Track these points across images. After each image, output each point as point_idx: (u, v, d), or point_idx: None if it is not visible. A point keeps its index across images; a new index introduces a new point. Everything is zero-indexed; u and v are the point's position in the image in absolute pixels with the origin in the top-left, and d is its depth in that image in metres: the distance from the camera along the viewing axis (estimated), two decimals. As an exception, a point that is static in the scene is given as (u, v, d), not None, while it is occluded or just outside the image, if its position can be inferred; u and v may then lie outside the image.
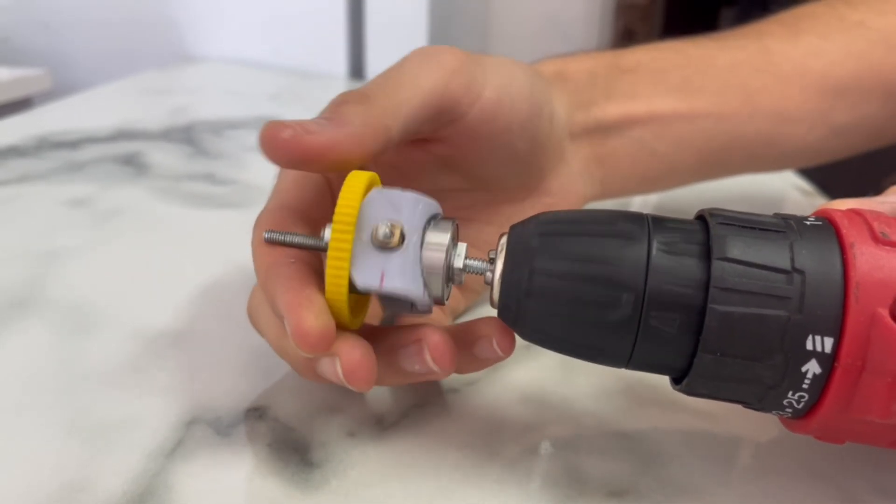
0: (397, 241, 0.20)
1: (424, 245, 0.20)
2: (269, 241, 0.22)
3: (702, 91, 0.34)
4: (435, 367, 0.21)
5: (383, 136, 0.21)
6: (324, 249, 0.21)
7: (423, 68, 0.24)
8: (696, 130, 0.34)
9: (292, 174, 0.24)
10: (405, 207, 0.20)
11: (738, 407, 0.20)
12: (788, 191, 0.51)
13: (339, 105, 0.21)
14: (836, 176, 0.50)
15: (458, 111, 0.25)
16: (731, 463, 0.24)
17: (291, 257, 0.21)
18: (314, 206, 0.24)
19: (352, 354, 0.20)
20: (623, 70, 0.34)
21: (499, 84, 0.26)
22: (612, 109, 0.33)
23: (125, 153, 0.51)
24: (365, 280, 0.20)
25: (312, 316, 0.19)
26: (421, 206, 0.20)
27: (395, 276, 0.20)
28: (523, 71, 0.28)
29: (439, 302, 0.21)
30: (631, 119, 0.33)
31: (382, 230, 0.19)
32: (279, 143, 0.20)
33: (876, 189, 0.23)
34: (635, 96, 0.34)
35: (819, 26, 0.37)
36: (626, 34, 1.58)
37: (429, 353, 0.21)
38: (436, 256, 0.20)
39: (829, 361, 0.17)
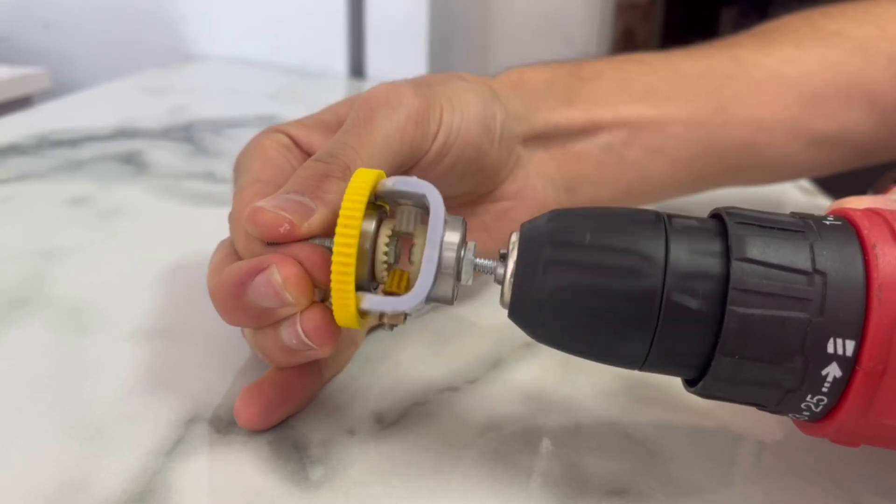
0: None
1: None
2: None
3: (670, 98, 0.34)
4: (309, 342, 0.21)
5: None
6: (328, 248, 0.20)
7: (392, 125, 0.24)
8: (667, 137, 0.34)
9: (257, 156, 0.26)
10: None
11: (741, 406, 0.20)
12: (789, 189, 0.51)
13: (323, 180, 0.22)
14: (837, 174, 0.50)
15: (415, 160, 0.26)
16: (732, 462, 0.24)
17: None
18: (286, 175, 0.25)
19: (313, 311, 0.21)
20: (584, 79, 0.34)
21: (449, 124, 0.26)
22: (574, 115, 0.33)
23: (125, 152, 0.51)
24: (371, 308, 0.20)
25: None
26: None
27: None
28: (476, 96, 0.28)
29: (448, 302, 0.21)
30: (596, 125, 0.33)
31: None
32: (275, 235, 0.21)
33: (872, 188, 0.23)
34: (599, 103, 0.33)
35: (792, 36, 0.36)
36: (627, 34, 1.58)
37: (301, 326, 0.21)
38: (447, 256, 0.20)
39: (850, 365, 0.17)
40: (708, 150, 0.34)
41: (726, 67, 0.35)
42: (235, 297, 0.21)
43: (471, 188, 0.30)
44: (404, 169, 0.26)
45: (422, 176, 0.27)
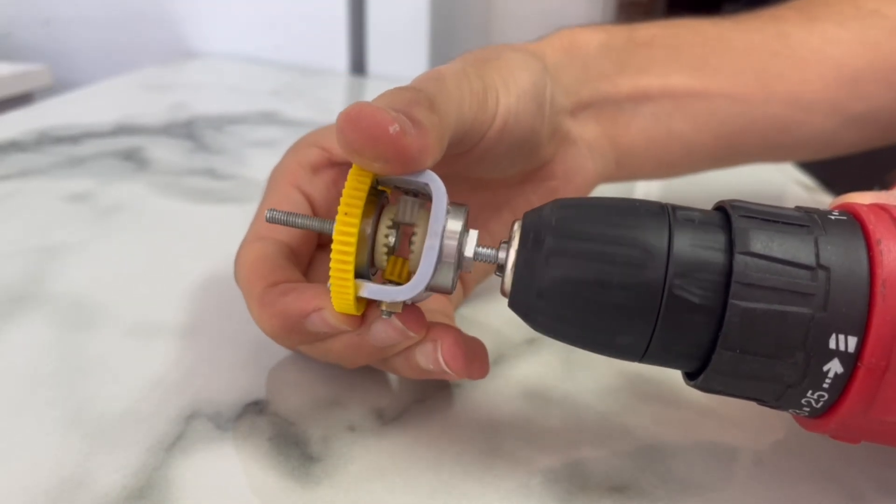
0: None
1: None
2: (270, 220, 0.21)
3: (717, 71, 0.34)
4: (447, 369, 0.22)
5: (440, 154, 0.20)
6: (328, 231, 0.20)
7: (464, 92, 0.23)
8: (712, 110, 0.34)
9: (280, 183, 0.26)
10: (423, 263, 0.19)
11: (742, 402, 0.20)
12: (790, 186, 0.50)
13: (413, 106, 0.19)
14: (838, 171, 0.50)
15: (474, 141, 0.24)
16: (733, 459, 0.24)
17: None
18: (301, 241, 0.25)
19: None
20: (638, 43, 0.34)
21: (507, 107, 0.25)
22: (624, 83, 0.32)
23: (126, 148, 0.50)
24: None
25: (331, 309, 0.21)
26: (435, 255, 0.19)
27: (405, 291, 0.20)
28: (529, 72, 0.27)
29: (446, 291, 0.20)
30: (644, 94, 0.33)
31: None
32: (379, 134, 0.18)
33: (881, 184, 0.22)
34: (649, 71, 0.33)
35: (834, 14, 0.37)
36: (628, 31, 1.58)
37: (441, 354, 0.21)
38: (447, 244, 0.19)
39: (851, 361, 0.17)
40: (749, 127, 0.35)
41: (772, 44, 0.35)
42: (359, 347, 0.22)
43: (520, 168, 0.29)
44: (462, 150, 0.24)
45: (481, 158, 0.26)
